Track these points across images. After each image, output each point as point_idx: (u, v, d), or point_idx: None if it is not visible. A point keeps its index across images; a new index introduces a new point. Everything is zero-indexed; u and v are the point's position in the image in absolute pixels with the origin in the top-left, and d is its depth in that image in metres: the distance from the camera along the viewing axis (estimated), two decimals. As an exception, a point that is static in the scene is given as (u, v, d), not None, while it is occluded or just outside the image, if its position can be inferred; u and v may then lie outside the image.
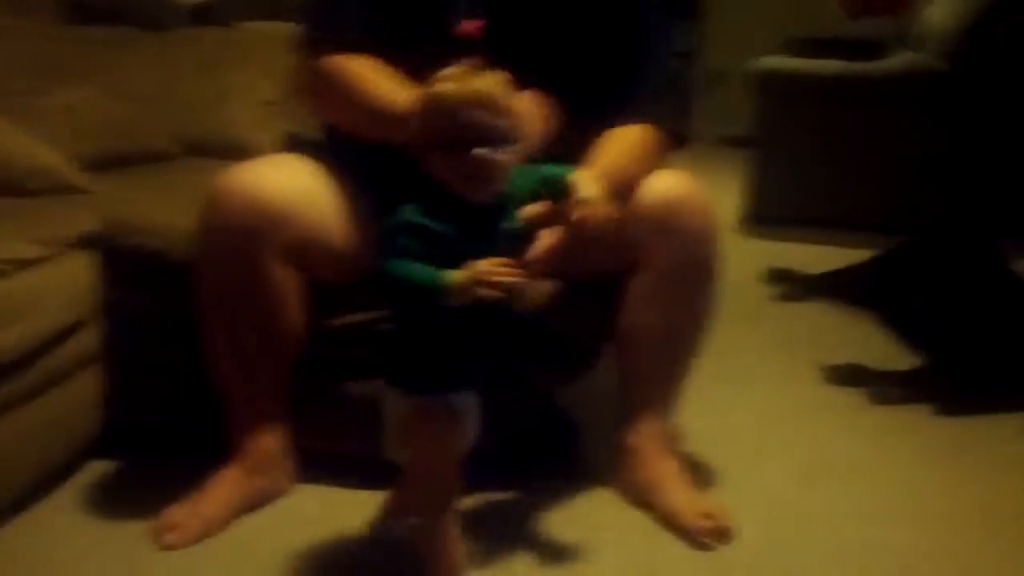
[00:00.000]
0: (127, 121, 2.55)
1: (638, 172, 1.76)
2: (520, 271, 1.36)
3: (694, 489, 1.86)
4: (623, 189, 1.69)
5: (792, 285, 3.28)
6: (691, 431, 2.13)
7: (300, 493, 1.86)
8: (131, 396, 1.92)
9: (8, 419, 1.64)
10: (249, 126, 2.69)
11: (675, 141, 1.86)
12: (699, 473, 1.97)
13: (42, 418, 1.74)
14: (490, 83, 1.39)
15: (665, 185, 1.78)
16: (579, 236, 1.50)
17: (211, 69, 2.81)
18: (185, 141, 2.64)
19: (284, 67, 1.85)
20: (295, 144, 1.94)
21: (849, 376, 2.54)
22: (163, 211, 1.93)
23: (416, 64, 1.53)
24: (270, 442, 1.80)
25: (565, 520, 1.82)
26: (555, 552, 1.72)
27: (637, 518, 1.84)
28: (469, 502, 1.52)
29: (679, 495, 1.82)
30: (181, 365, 1.86)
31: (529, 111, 1.59)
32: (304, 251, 1.71)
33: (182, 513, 1.71)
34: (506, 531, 1.76)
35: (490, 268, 1.34)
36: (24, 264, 1.68)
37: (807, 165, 4.25)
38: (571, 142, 1.70)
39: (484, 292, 1.34)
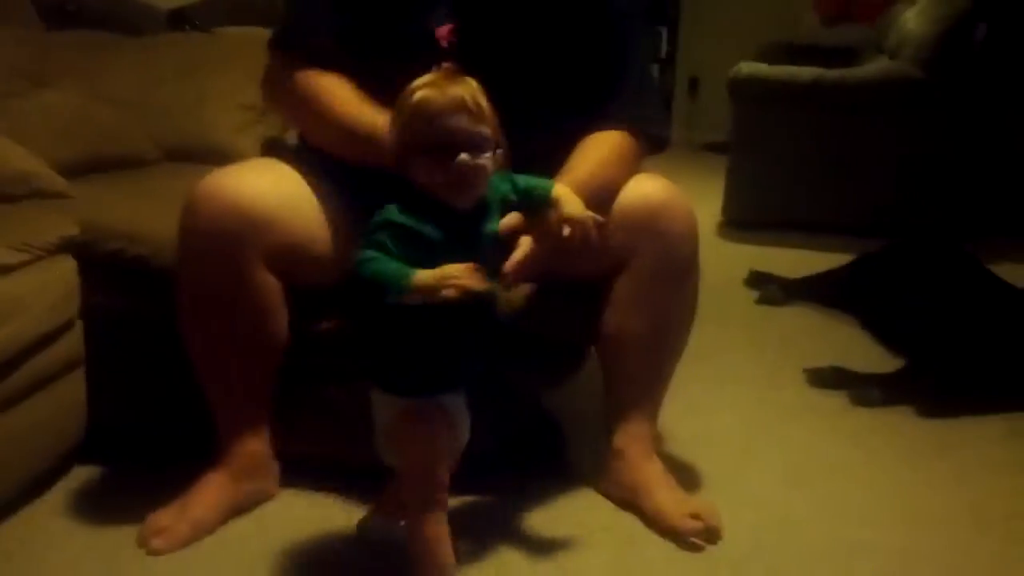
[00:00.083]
0: (106, 126, 2.54)
1: (617, 178, 1.77)
2: (485, 277, 1.36)
3: (681, 490, 1.86)
4: (602, 196, 1.71)
5: (773, 289, 3.30)
6: (675, 433, 2.14)
7: (286, 497, 1.85)
8: (115, 401, 1.91)
9: (-8, 423, 1.63)
10: (229, 131, 2.69)
11: (655, 145, 1.87)
12: (684, 475, 1.97)
13: (26, 423, 1.72)
14: (469, 89, 1.41)
15: (647, 189, 1.79)
16: (562, 249, 1.53)
17: (190, 74, 2.80)
18: (165, 146, 2.63)
19: (263, 72, 1.87)
20: (274, 148, 1.93)
21: (831, 379, 2.54)
22: (144, 216, 1.92)
23: (389, 69, 1.53)
24: (255, 446, 1.79)
25: (552, 522, 1.81)
26: (542, 554, 1.72)
27: (624, 519, 1.84)
28: (456, 504, 1.51)
29: (666, 496, 1.82)
30: (164, 369, 1.85)
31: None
32: (286, 255, 1.70)
33: (169, 517, 1.70)
34: (493, 533, 1.76)
35: (457, 272, 1.35)
36: (5, 270, 1.66)
37: (784, 170, 4.28)
38: (547, 147, 1.70)
39: (449, 294, 1.34)
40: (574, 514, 1.85)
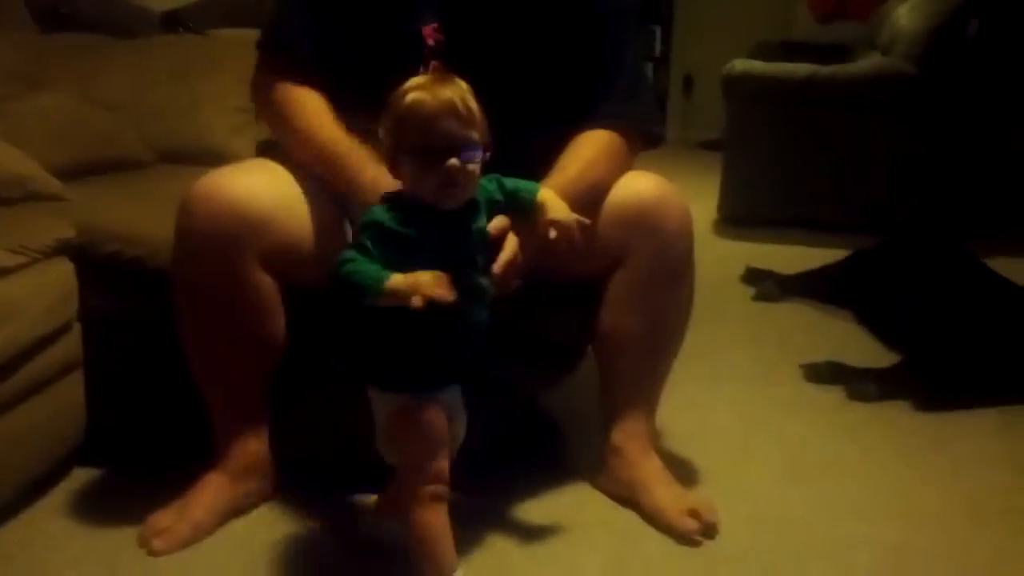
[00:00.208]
0: (101, 128, 2.54)
1: (606, 178, 1.78)
2: (452, 290, 1.37)
3: (679, 485, 1.86)
4: (591, 196, 1.72)
5: (769, 285, 3.30)
6: (672, 430, 2.14)
7: (286, 497, 1.85)
8: (114, 402, 1.92)
9: (-9, 426, 1.63)
10: (224, 133, 2.69)
11: (649, 141, 1.88)
12: (681, 471, 1.97)
13: (25, 425, 1.72)
14: (459, 92, 1.42)
15: (639, 186, 1.80)
16: (549, 253, 1.54)
17: (184, 76, 2.80)
18: (159, 148, 2.63)
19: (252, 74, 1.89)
20: (269, 150, 1.93)
21: (828, 374, 2.55)
22: (140, 218, 1.92)
23: (376, 69, 1.53)
24: (254, 446, 1.79)
25: (550, 518, 1.82)
26: (540, 550, 1.72)
27: (622, 515, 1.84)
28: (453, 502, 1.51)
29: (664, 492, 1.82)
30: (163, 371, 1.85)
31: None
32: (282, 255, 1.70)
33: (168, 518, 1.70)
34: (490, 531, 1.76)
35: (426, 281, 1.36)
36: (1, 273, 1.66)
37: (779, 167, 4.29)
38: (538, 146, 1.71)
39: (415, 302, 1.35)
40: (571, 510, 1.85)
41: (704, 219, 4.26)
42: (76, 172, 2.28)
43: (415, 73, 1.47)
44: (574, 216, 1.55)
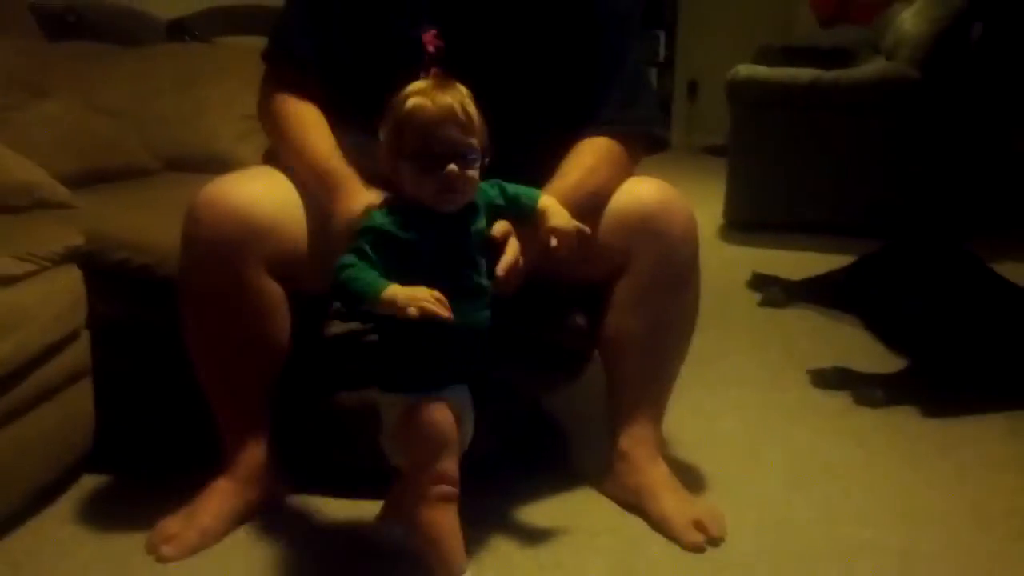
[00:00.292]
0: (107, 136, 2.55)
1: (607, 184, 1.78)
2: (446, 307, 1.38)
3: (686, 493, 1.87)
4: (592, 203, 1.73)
5: (775, 291, 3.31)
6: (679, 436, 2.14)
7: (293, 503, 1.86)
8: (122, 410, 1.92)
9: (0, 434, 1.63)
10: (230, 140, 2.70)
11: (653, 145, 1.88)
12: (688, 477, 1.97)
13: (34, 433, 1.72)
14: (459, 97, 1.43)
15: (641, 191, 1.80)
16: (550, 258, 1.56)
17: (190, 84, 2.81)
18: (165, 156, 2.64)
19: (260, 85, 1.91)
20: (275, 157, 1.94)
21: (834, 379, 2.55)
22: (148, 226, 1.92)
23: (376, 77, 1.54)
24: (260, 453, 1.79)
25: (556, 523, 1.82)
26: (546, 555, 1.72)
27: (628, 521, 1.84)
28: (458, 506, 1.51)
29: (670, 500, 1.82)
30: (171, 378, 1.85)
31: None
32: (287, 261, 1.71)
33: (177, 524, 1.71)
34: (496, 535, 1.76)
35: (424, 296, 1.37)
36: (10, 280, 1.66)
37: (784, 171, 4.30)
38: (539, 152, 1.72)
39: (411, 312, 1.36)
40: (577, 516, 1.86)
41: (709, 224, 4.27)
42: (83, 180, 2.29)
43: (416, 80, 1.48)
44: (574, 224, 1.56)
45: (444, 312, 1.37)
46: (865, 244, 3.41)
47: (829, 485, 2.03)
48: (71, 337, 1.80)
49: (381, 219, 1.44)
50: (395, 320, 1.39)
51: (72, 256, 1.82)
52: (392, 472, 1.61)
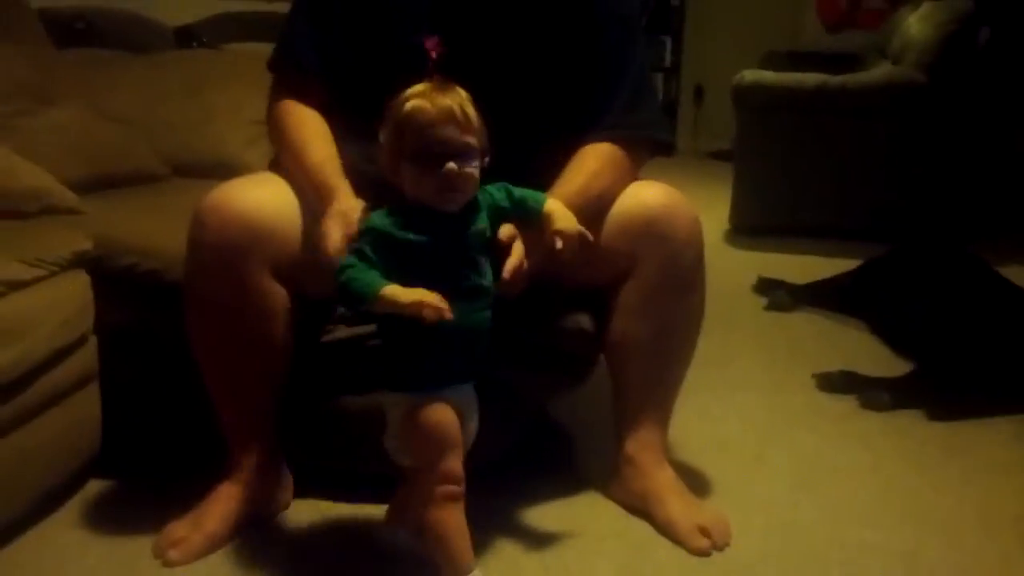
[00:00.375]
0: (114, 143, 2.56)
1: (611, 189, 1.79)
2: (444, 308, 1.39)
3: (692, 497, 1.87)
4: (596, 208, 1.74)
5: (781, 295, 3.31)
6: (685, 440, 2.14)
7: (299, 507, 1.86)
8: (129, 415, 1.93)
9: (8, 439, 1.64)
10: (237, 146, 2.71)
11: (657, 148, 1.89)
12: (694, 481, 1.97)
13: (41, 438, 1.73)
14: (458, 99, 1.46)
15: (646, 195, 1.81)
16: (554, 261, 1.57)
17: (198, 90, 2.82)
18: (173, 161, 2.65)
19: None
20: (279, 164, 1.95)
21: (840, 383, 2.55)
22: (156, 231, 1.93)
23: (378, 84, 1.55)
24: (264, 457, 1.79)
25: (562, 527, 1.82)
26: (552, 559, 1.72)
27: (634, 525, 1.84)
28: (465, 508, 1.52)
29: (677, 505, 1.82)
30: (178, 383, 1.85)
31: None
32: (291, 265, 1.71)
33: (184, 529, 1.71)
34: (502, 539, 1.77)
35: (423, 299, 1.38)
36: (19, 285, 1.67)
37: (790, 176, 4.30)
38: (543, 157, 1.72)
39: (410, 312, 1.38)
40: (583, 519, 1.86)
41: (716, 229, 4.27)
42: (91, 186, 2.30)
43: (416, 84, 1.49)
44: (579, 227, 1.57)
45: (446, 315, 1.38)
46: (871, 248, 3.40)
47: (835, 488, 2.03)
48: (79, 342, 1.81)
49: (381, 220, 1.46)
50: (396, 319, 1.41)
51: (80, 261, 1.83)
52: (397, 475, 1.61)
